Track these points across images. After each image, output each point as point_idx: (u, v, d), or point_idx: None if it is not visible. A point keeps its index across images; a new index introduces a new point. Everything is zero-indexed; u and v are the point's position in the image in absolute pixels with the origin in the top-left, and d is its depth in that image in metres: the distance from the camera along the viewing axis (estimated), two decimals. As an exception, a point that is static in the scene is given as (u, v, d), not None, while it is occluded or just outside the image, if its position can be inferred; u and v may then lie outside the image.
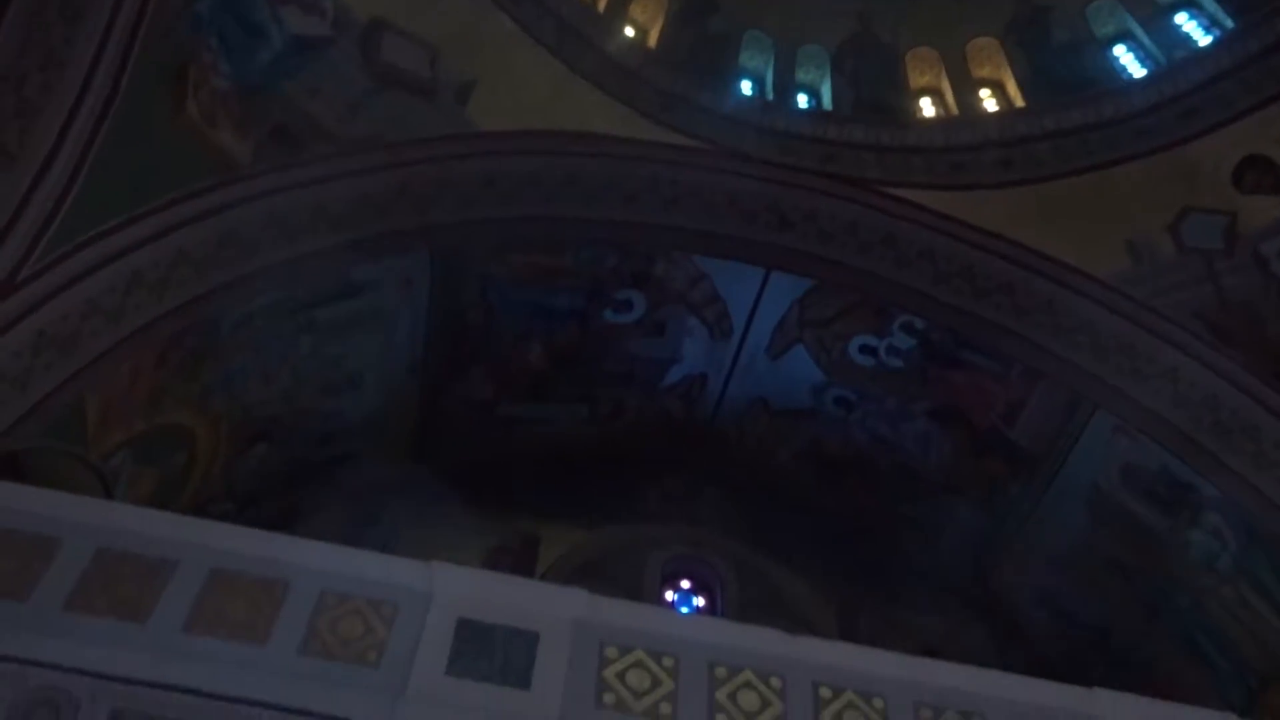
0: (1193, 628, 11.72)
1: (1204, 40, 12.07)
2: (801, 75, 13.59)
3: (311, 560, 6.58)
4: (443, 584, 6.58)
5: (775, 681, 6.67)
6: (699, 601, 12.65)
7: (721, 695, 6.51)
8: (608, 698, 6.30)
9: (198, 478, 10.66)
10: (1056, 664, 12.18)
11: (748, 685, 6.61)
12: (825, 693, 6.70)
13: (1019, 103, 12.71)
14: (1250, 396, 10.93)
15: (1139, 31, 12.73)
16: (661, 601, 12.04)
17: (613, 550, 12.67)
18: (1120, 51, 12.86)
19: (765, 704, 6.54)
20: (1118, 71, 12.64)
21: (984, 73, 13.40)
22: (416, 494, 12.36)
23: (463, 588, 6.61)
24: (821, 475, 13.96)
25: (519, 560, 12.22)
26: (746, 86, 13.34)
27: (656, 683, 6.45)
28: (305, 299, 10.51)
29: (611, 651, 6.56)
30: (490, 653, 6.27)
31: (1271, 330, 11.11)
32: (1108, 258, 11.50)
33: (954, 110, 13.01)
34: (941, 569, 13.62)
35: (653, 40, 13.12)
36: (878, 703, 6.72)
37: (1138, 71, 12.51)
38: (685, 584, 12.99)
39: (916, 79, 13.48)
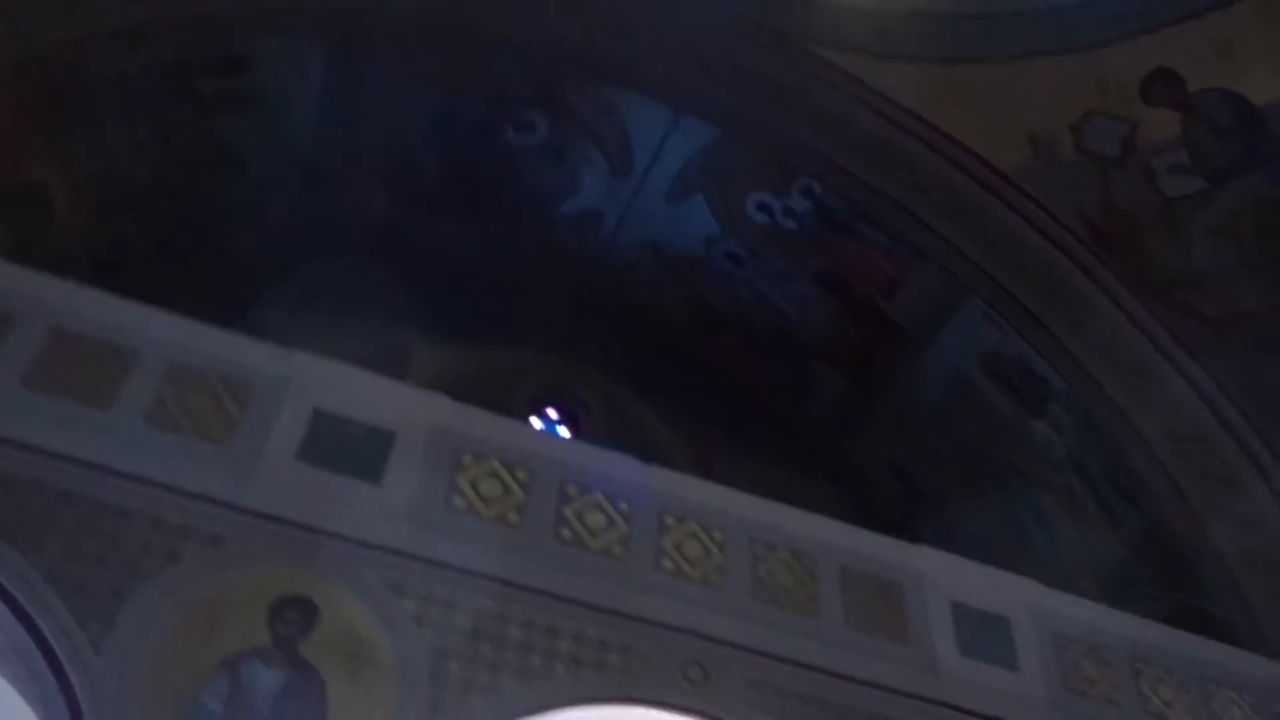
0: (1021, 509, 12.59)
1: (1141, -58, 11.98)
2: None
3: (165, 333, 6.35)
4: (302, 372, 6.47)
5: (624, 505, 6.87)
6: (564, 432, 12.87)
7: (570, 511, 6.69)
8: (458, 501, 6.39)
9: (55, 240, 10.10)
10: (892, 529, 12.94)
11: (597, 506, 6.81)
12: (669, 520, 6.96)
13: (956, -25, 12.50)
14: (1115, 304, 11.43)
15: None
16: (526, 425, 12.23)
17: (485, 372, 12.67)
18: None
19: (611, 524, 6.75)
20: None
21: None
22: (287, 290, 12.01)
23: (322, 379, 6.51)
24: (702, 327, 14.13)
25: (387, 370, 12.08)
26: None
27: (507, 492, 6.57)
28: (188, 64, 9.83)
29: (467, 459, 6.63)
30: (344, 445, 6.26)
31: (1148, 243, 11.50)
32: (1010, 149, 11.61)
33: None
34: (803, 431, 14.13)
35: None
36: (717, 535, 7.02)
37: (1075, -35, 12.39)
38: (552, 413, 13.19)
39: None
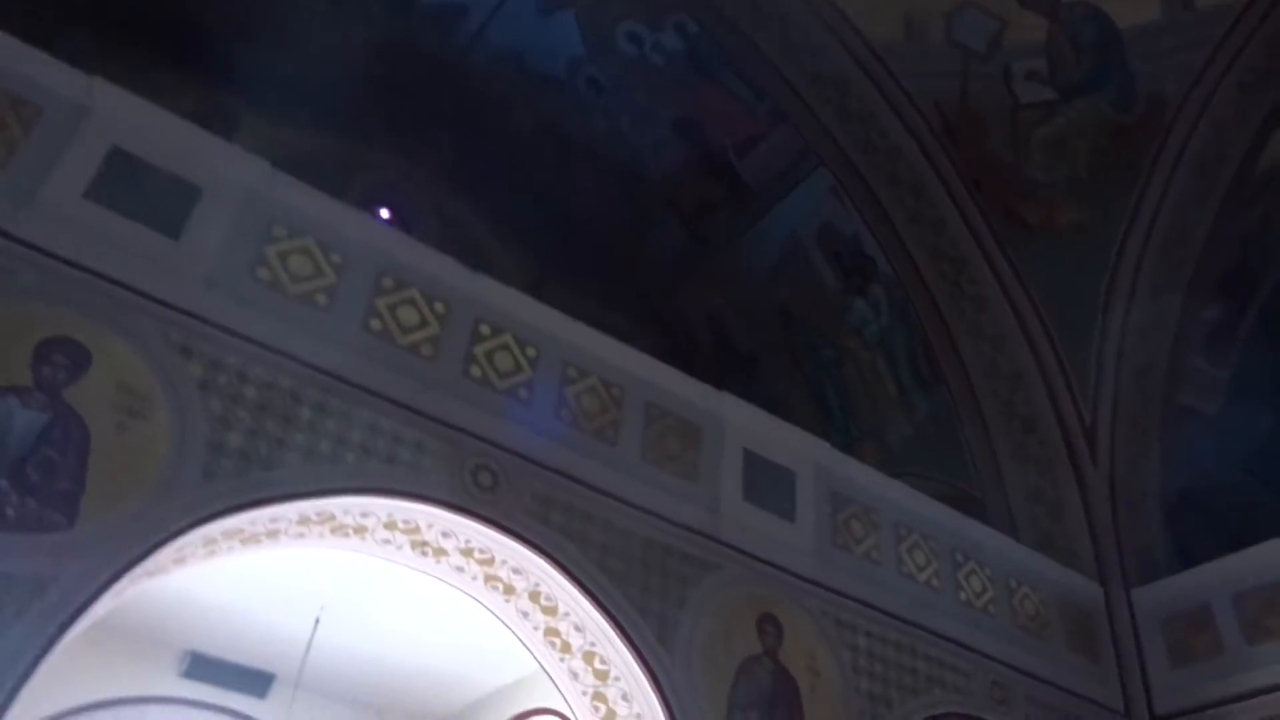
0: (825, 378, 13.16)
1: None
2: None
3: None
4: (106, 104, 5.84)
5: (439, 306, 6.69)
6: (393, 233, 12.39)
7: (382, 303, 6.46)
8: (263, 273, 6.04)
9: None
10: (705, 381, 13.31)
11: (411, 302, 6.59)
12: (484, 329, 6.84)
13: None
14: (951, 197, 11.79)
15: None
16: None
17: (317, 155, 11.95)
18: None
19: (424, 323, 6.57)
20: None
21: None
22: (111, 30, 10.83)
23: (129, 115, 5.90)
24: (552, 151, 13.74)
25: (209, 133, 11.22)
26: None
27: (319, 272, 6.25)
28: None
29: (280, 231, 6.24)
30: (143, 192, 5.74)
31: (990, 145, 11.82)
32: (884, 24, 11.57)
33: None
34: (636, 274, 14.16)
35: None
36: (530, 351, 6.97)
37: None
38: (385, 213, 12.67)
39: None
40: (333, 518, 6.04)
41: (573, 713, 6.90)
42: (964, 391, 11.73)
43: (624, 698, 6.56)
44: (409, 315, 6.50)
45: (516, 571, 6.53)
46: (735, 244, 13.38)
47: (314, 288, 6.18)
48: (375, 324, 6.34)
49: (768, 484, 7.74)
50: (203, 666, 9.51)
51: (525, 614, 6.71)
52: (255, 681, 9.69)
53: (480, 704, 9.74)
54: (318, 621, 8.70)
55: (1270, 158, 11.41)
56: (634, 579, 6.62)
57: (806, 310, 13.11)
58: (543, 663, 6.88)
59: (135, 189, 5.70)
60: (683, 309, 14.16)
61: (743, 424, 7.89)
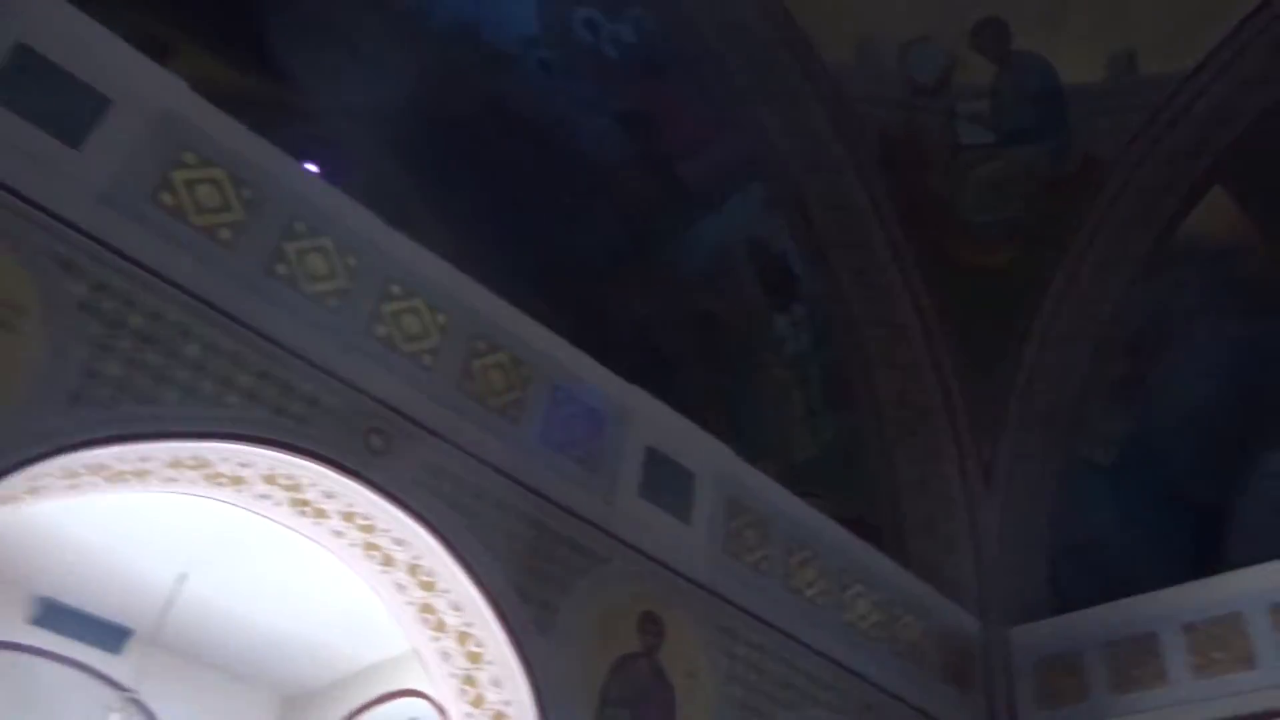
0: (738, 391, 13.14)
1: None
2: None
3: None
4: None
5: (351, 260, 6.45)
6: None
7: (291, 248, 6.19)
8: (166, 198, 5.73)
9: None
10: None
11: (322, 251, 6.34)
12: (395, 289, 6.61)
13: None
14: (882, 225, 11.86)
15: None
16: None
17: (248, 99, 11.51)
18: None
19: (332, 274, 6.32)
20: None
21: None
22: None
23: (41, 15, 5.55)
24: (494, 127, 13.48)
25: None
26: None
27: (227, 206, 5.96)
28: None
29: (190, 157, 5.93)
30: (45, 94, 5.39)
31: (927, 180, 11.95)
32: (839, 45, 11.62)
33: None
34: (564, 263, 13.95)
35: None
36: (440, 318, 6.77)
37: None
38: (313, 167, 12.26)
39: None
40: (208, 464, 5.75)
41: (441, 695, 6.69)
42: (872, 419, 11.82)
43: (495, 683, 6.38)
44: (318, 264, 6.24)
45: (398, 542, 6.31)
46: (667, 246, 13.28)
47: (219, 221, 5.89)
48: (280, 268, 6.07)
49: (667, 483, 7.65)
50: (54, 614, 8.88)
51: (402, 587, 6.49)
52: (110, 635, 9.09)
53: (346, 681, 9.43)
54: (184, 577, 8.30)
55: (1190, 229, 11.75)
56: (519, 562, 6.46)
57: (729, 322, 13.08)
58: (415, 640, 6.67)
59: (37, 90, 5.36)
60: (607, 305, 13.99)
61: (650, 420, 7.79)
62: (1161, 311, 12.14)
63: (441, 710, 7.05)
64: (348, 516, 6.21)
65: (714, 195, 12.69)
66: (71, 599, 8.89)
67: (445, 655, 6.51)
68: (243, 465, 5.84)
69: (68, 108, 5.47)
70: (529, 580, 6.46)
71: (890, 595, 9.10)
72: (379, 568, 6.40)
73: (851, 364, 11.96)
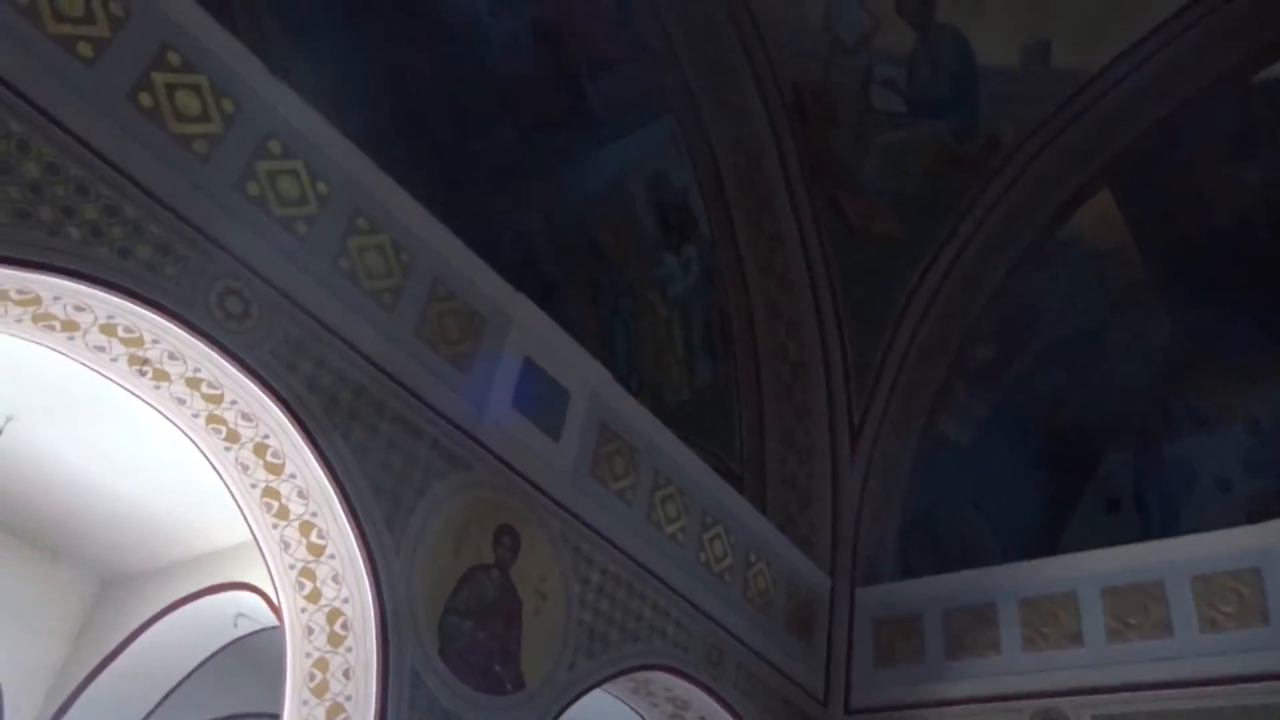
0: (618, 324, 12.89)
1: None
2: None
3: None
4: None
5: (227, 104, 5.83)
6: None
7: (160, 80, 5.54)
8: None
9: None
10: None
11: (195, 89, 5.70)
12: (274, 147, 6.05)
13: None
14: (785, 176, 11.74)
15: None
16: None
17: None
18: None
19: (205, 117, 5.71)
20: None
21: None
22: None
23: None
24: (402, 18, 12.69)
25: None
26: None
27: (91, 19, 5.27)
28: None
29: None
30: None
31: (834, 138, 11.86)
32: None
33: None
34: (458, 167, 13.31)
35: None
36: (321, 187, 6.25)
37: None
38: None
39: None
40: (38, 301, 5.12)
41: (275, 588, 6.24)
42: (749, 368, 11.77)
43: (334, 578, 5.98)
44: (189, 102, 5.61)
45: (246, 418, 5.81)
46: (564, 167, 12.85)
47: (78, 34, 5.19)
48: (145, 99, 5.41)
49: (541, 397, 7.33)
50: None
51: (246, 467, 5.99)
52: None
53: (172, 569, 8.76)
54: (-4, 428, 7.50)
55: (1073, 227, 12.05)
56: (376, 454, 6.04)
57: (618, 253, 12.79)
58: (253, 526, 6.18)
59: None
60: (494, 216, 13.46)
61: (531, 331, 7.43)
62: (1035, 302, 12.47)
63: (273, 604, 6.61)
64: (193, 383, 5.67)
65: (620, 122, 12.32)
66: None
67: (285, 544, 6.06)
68: (79, 309, 5.23)
69: None
70: (385, 476, 6.05)
71: (747, 541, 9.06)
72: (222, 443, 5.88)
73: (736, 311, 11.86)
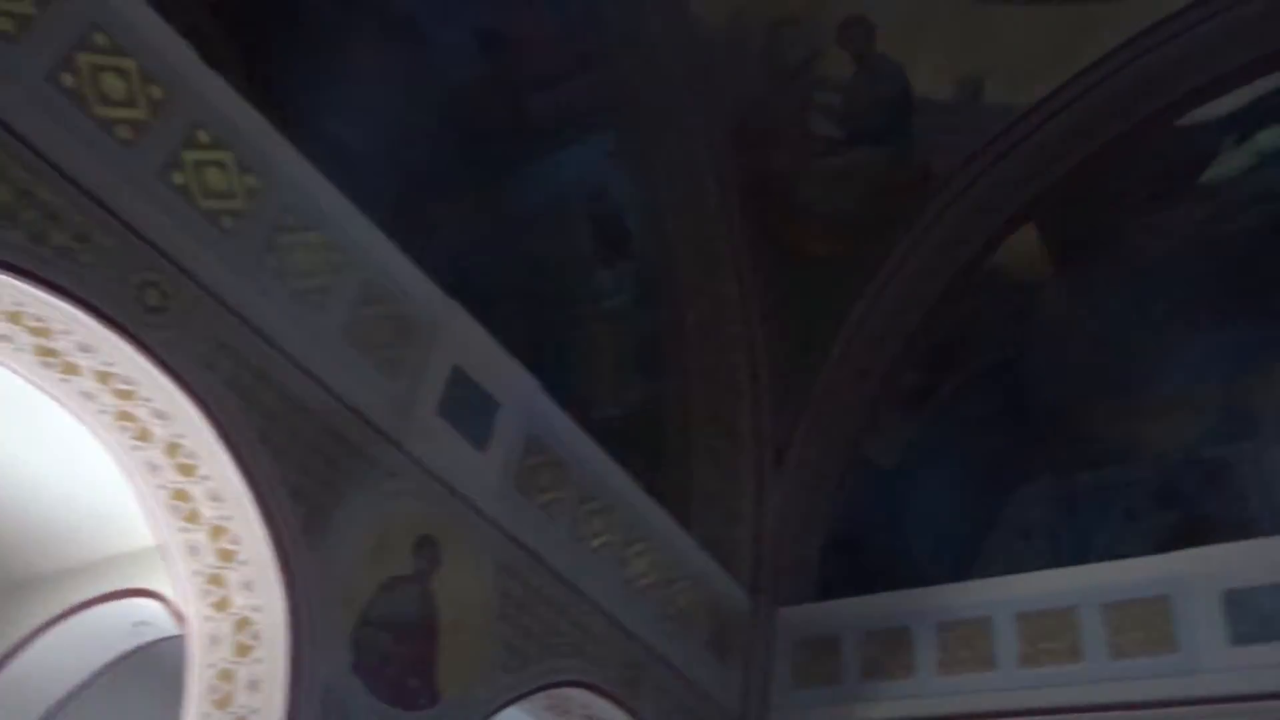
0: (549, 338, 12.78)
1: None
2: None
3: None
4: None
5: (156, 91, 5.67)
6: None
7: (84, 60, 5.35)
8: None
9: None
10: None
11: (121, 72, 5.54)
12: (203, 136, 5.89)
13: None
14: (721, 194, 11.78)
15: None
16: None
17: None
18: None
19: (130, 102, 5.55)
20: None
21: None
22: None
23: None
24: (339, 15, 12.47)
25: None
26: None
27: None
28: None
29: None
30: None
31: (772, 161, 11.95)
32: (713, 12, 11.33)
33: None
34: (388, 171, 13.10)
35: None
36: (250, 180, 6.07)
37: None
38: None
39: None
40: (-61, 284, 4.87)
41: (180, 595, 6.01)
42: (678, 386, 11.76)
43: (246, 586, 5.78)
44: (114, 86, 5.41)
45: (159, 416, 5.59)
46: (502, 179, 12.73)
47: (4, 7, 4.98)
48: (68, 79, 5.21)
49: (469, 406, 7.21)
50: None
51: (155, 467, 5.76)
52: None
53: (69, 574, 8.33)
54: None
55: (998, 259, 12.32)
56: (295, 458, 5.87)
57: (553, 266, 12.69)
58: (160, 530, 5.94)
59: None
60: (429, 224, 13.26)
61: (462, 339, 7.32)
62: (962, 331, 12.70)
63: (177, 613, 6.38)
64: (103, 377, 5.44)
65: (561, 136, 12.25)
66: None
67: (193, 550, 5.84)
68: (-18, 295, 4.99)
69: None
70: (305, 481, 5.88)
71: (671, 558, 9.02)
72: (132, 441, 5.65)
73: (668, 329, 11.85)
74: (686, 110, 11.61)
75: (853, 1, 11.51)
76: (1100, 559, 9.56)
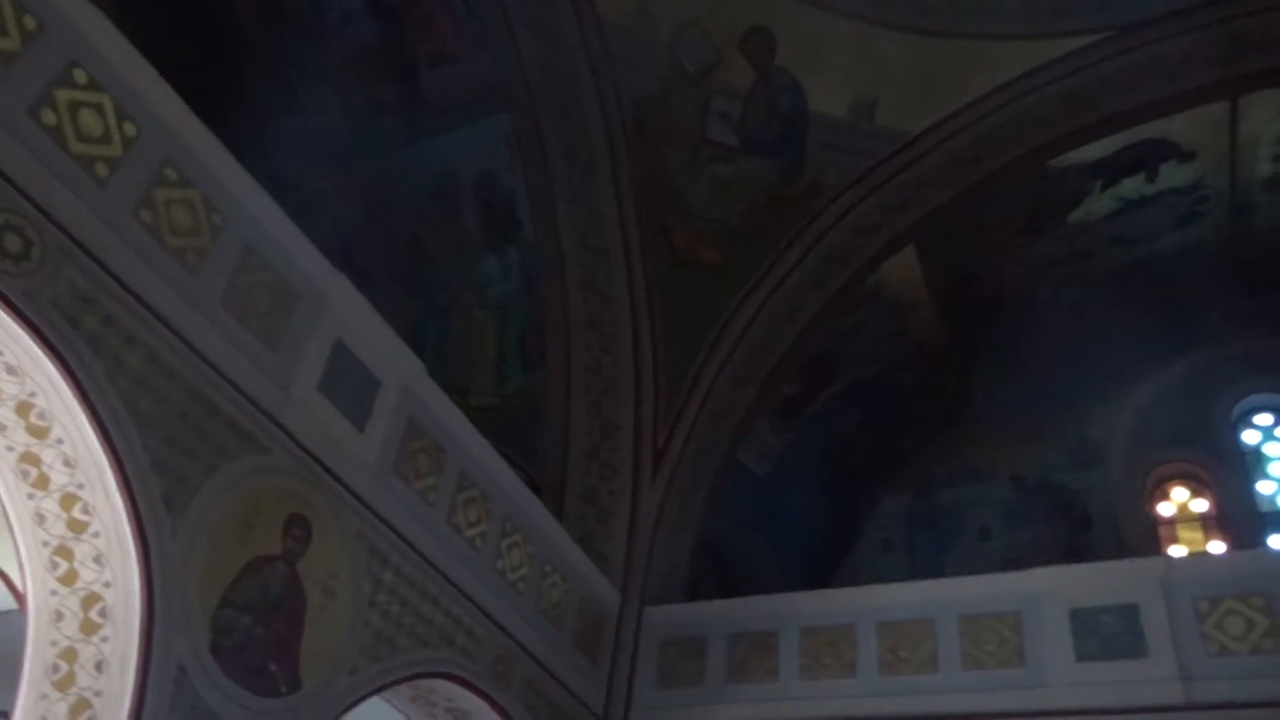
0: (430, 321, 12.50)
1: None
2: None
3: None
4: None
5: (30, 21, 5.21)
6: None
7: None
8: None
9: None
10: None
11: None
12: (79, 76, 5.48)
13: None
14: (616, 193, 11.72)
15: None
16: None
17: None
18: None
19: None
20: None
21: None
22: None
23: None
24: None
25: None
26: None
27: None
28: None
29: None
30: None
31: (667, 161, 11.95)
32: (619, 3, 11.35)
33: None
34: (272, 139, 12.56)
35: None
36: (128, 127, 5.71)
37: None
38: None
39: None
40: None
41: (21, 567, 5.56)
42: (560, 379, 11.65)
43: (96, 559, 5.39)
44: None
45: (11, 371, 5.16)
46: (388, 155, 12.36)
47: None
48: (-67, -2, 4.76)
49: (349, 384, 6.94)
50: None
51: (3, 427, 5.32)
52: None
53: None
54: None
55: (879, 278, 12.65)
56: (161, 427, 5.50)
57: (438, 249, 12.40)
58: (6, 495, 5.49)
59: None
60: (307, 198, 12.76)
61: (346, 313, 7.04)
62: (839, 345, 13.00)
63: (14, 586, 5.92)
64: (-50, 325, 4.99)
65: (454, 117, 11.98)
66: None
67: (40, 518, 5.41)
68: None
69: None
70: (170, 451, 5.52)
71: (545, 552, 8.90)
72: (-23, 398, 5.20)
73: (554, 320, 11.72)
74: (585, 101, 11.50)
75: (757, 12, 11.65)
76: (954, 573, 9.90)
